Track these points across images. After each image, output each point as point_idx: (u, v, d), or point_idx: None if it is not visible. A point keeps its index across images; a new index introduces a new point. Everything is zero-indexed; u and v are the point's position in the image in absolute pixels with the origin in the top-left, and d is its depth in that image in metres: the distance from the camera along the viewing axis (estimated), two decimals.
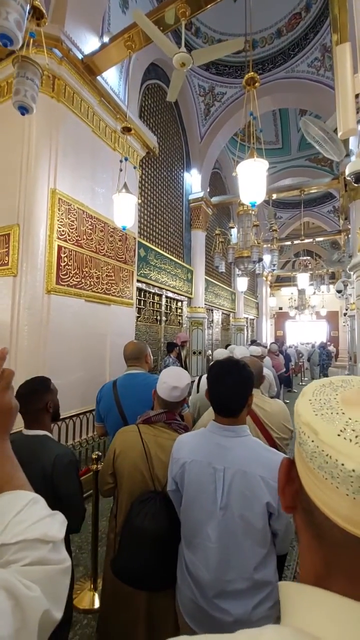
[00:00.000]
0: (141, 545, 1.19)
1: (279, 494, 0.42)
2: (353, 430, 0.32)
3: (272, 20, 6.47)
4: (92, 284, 3.80)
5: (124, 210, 3.19)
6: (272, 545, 1.08)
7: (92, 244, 3.82)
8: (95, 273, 3.86)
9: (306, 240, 8.44)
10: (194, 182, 7.50)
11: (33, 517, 0.51)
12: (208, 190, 7.76)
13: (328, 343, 14.59)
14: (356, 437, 0.31)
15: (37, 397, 1.38)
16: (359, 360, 2.00)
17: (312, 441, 0.34)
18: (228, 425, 1.13)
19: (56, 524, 0.54)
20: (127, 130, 3.30)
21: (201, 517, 1.08)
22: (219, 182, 9.43)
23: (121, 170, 3.26)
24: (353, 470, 0.30)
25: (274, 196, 7.72)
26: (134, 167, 4.01)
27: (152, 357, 2.21)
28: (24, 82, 1.86)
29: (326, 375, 13.56)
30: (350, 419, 0.33)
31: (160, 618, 1.28)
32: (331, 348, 14.85)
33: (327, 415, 0.34)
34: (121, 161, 3.33)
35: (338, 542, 0.32)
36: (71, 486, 1.32)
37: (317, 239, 10.50)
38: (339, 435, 0.32)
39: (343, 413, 0.34)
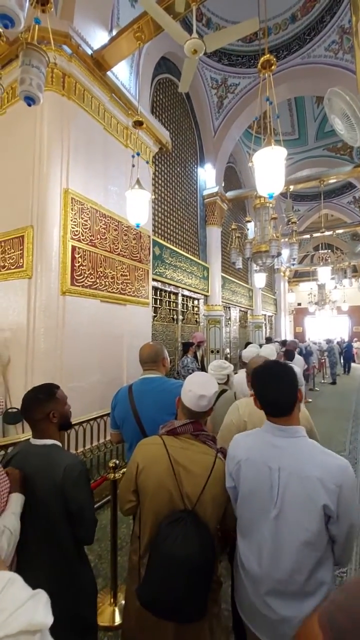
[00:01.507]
0: (173, 574, 1.07)
1: None
2: None
3: (286, 5, 6.21)
4: (107, 284, 3.73)
5: (137, 207, 3.10)
6: (329, 550, 1.05)
7: (106, 244, 3.75)
8: (110, 273, 3.79)
9: (326, 233, 8.12)
10: (208, 177, 7.34)
11: (13, 603, 0.42)
12: (223, 185, 7.58)
13: (339, 340, 14.04)
14: None
15: (38, 406, 1.32)
16: None
17: None
18: (282, 425, 1.14)
19: (40, 606, 0.44)
20: (138, 124, 3.20)
21: (256, 513, 1.10)
22: (234, 176, 9.22)
23: (133, 165, 3.17)
24: None
25: (292, 188, 7.47)
26: (146, 162, 3.91)
27: (168, 359, 2.09)
28: (29, 70, 1.78)
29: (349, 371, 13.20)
30: None
31: None
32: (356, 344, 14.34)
33: None
34: (133, 156, 3.24)
35: None
36: (82, 498, 1.25)
37: (338, 231, 10.13)
38: None
39: None
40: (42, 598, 0.48)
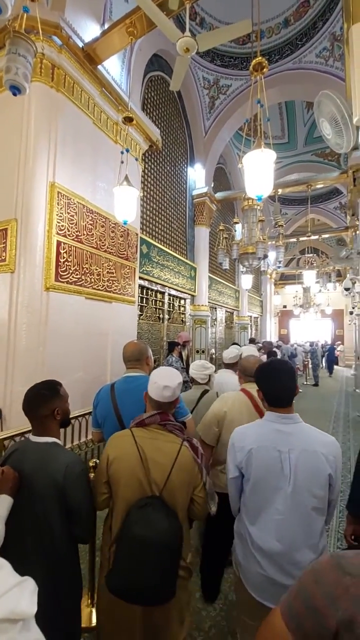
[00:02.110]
0: (141, 556, 1.12)
1: None
2: None
3: (279, 10, 6.26)
4: (92, 281, 3.68)
5: (125, 204, 3.06)
6: (324, 514, 1.26)
7: (92, 240, 3.70)
8: (96, 270, 3.74)
9: (312, 237, 8.26)
10: (197, 177, 7.35)
11: None
12: (212, 185, 7.60)
13: (323, 342, 14.34)
14: None
15: (44, 402, 1.32)
16: None
17: None
18: (285, 414, 1.32)
19: (26, 594, 0.43)
20: (128, 120, 3.16)
21: (268, 494, 1.25)
22: (224, 177, 9.26)
23: (122, 162, 3.13)
24: None
25: (280, 192, 7.56)
26: (136, 159, 3.87)
27: (152, 358, 2.10)
28: (16, 59, 1.73)
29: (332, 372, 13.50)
30: None
31: (157, 633, 1.22)
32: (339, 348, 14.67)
33: None
34: (122, 152, 3.19)
35: None
36: (82, 496, 1.27)
37: (324, 236, 10.31)
38: None
39: None
40: (29, 586, 0.47)
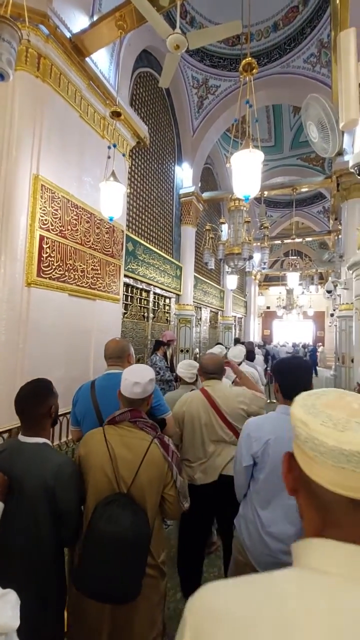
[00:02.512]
0: (106, 552, 1.13)
1: (283, 480, 0.59)
2: (330, 420, 0.47)
3: (269, 13, 6.33)
4: (76, 277, 3.61)
5: (111, 200, 3.01)
6: None
7: (77, 235, 3.62)
8: (80, 266, 3.67)
9: (297, 240, 8.40)
10: (185, 176, 7.33)
11: None
12: (199, 185, 7.60)
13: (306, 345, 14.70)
14: (333, 424, 0.46)
15: (41, 400, 1.31)
16: (356, 362, 1.92)
17: (305, 431, 0.49)
18: None
19: (8, 608, 0.41)
20: (116, 115, 3.11)
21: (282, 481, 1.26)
22: (211, 177, 9.29)
23: (109, 157, 3.08)
24: (333, 446, 0.45)
25: (266, 194, 7.64)
26: (123, 155, 3.82)
27: (134, 356, 2.10)
28: (0, 44, 1.66)
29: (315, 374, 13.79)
30: (329, 414, 0.48)
31: (124, 633, 1.22)
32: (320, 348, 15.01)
33: (314, 413, 0.50)
34: (109, 147, 3.14)
35: (329, 501, 0.47)
36: (72, 498, 1.25)
37: (307, 239, 10.51)
38: (321, 424, 0.47)
39: (323, 411, 0.49)
40: (11, 599, 0.46)
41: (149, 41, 5.09)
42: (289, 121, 9.20)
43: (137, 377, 1.37)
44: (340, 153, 5.92)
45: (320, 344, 17.00)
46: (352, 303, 4.71)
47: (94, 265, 3.91)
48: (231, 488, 1.70)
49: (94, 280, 3.91)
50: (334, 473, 0.44)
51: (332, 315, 10.77)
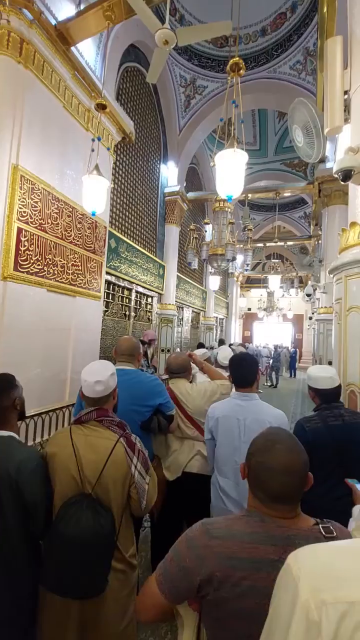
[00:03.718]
0: (66, 553, 1.14)
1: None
2: None
3: (258, 18, 6.38)
4: (56, 272, 3.50)
5: (94, 194, 2.93)
6: None
7: (57, 230, 3.51)
8: (60, 261, 3.56)
9: (279, 243, 8.54)
10: (170, 175, 7.30)
11: None
12: (184, 185, 7.58)
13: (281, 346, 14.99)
14: None
15: (4, 392, 1.31)
16: (333, 364, 1.95)
17: None
18: (246, 393, 1.72)
19: None
20: (101, 107, 3.03)
21: (229, 450, 1.67)
22: (196, 178, 9.29)
23: (93, 150, 3.00)
24: None
25: (250, 196, 7.71)
26: (107, 149, 3.74)
27: (142, 355, 2.21)
28: None
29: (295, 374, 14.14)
30: None
31: (93, 626, 1.24)
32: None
33: None
34: (93, 140, 3.06)
35: None
36: (37, 493, 1.23)
37: (289, 243, 10.71)
38: None
39: None
40: None
41: (137, 36, 5.02)
42: (274, 126, 9.34)
43: (97, 376, 1.35)
44: (323, 160, 6.05)
45: (294, 346, 17.28)
46: (331, 306, 4.82)
47: (75, 261, 3.80)
48: (196, 485, 1.90)
49: (74, 276, 3.81)
50: None
51: (310, 318, 11.02)
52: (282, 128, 9.13)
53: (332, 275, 2.14)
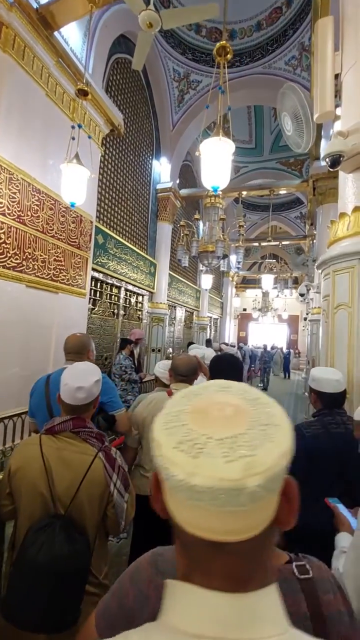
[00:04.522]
0: (35, 583, 1.00)
1: (152, 503, 0.45)
2: (188, 439, 0.36)
3: (253, 12, 6.26)
4: (36, 267, 3.34)
5: (73, 184, 2.79)
6: None
7: (38, 223, 3.36)
8: (41, 256, 3.41)
9: (273, 243, 8.43)
10: (163, 171, 7.15)
11: None
12: (178, 182, 7.44)
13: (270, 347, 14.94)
14: (190, 447, 0.35)
15: None
16: (321, 363, 1.84)
17: (158, 455, 0.37)
18: None
19: None
20: (83, 93, 2.88)
21: None
22: (190, 175, 9.15)
23: (73, 138, 2.85)
24: (182, 480, 0.34)
25: (244, 194, 7.59)
26: (89, 137, 3.58)
27: (95, 352, 2.07)
28: None
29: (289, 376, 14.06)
30: (190, 429, 0.37)
31: None
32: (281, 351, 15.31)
33: (173, 428, 0.38)
34: (73, 127, 2.91)
35: (189, 542, 0.38)
36: None
37: (284, 242, 10.60)
38: (175, 447, 0.36)
39: (185, 424, 0.38)
40: None
41: (127, 26, 4.87)
42: (269, 125, 9.22)
43: (79, 381, 1.21)
44: (317, 158, 5.94)
45: (281, 346, 17.12)
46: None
47: (57, 256, 3.65)
48: None
49: (57, 272, 3.66)
50: (188, 512, 0.36)
51: (305, 319, 10.92)
52: (277, 127, 9.00)
53: (320, 271, 2.01)
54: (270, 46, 6.41)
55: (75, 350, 1.88)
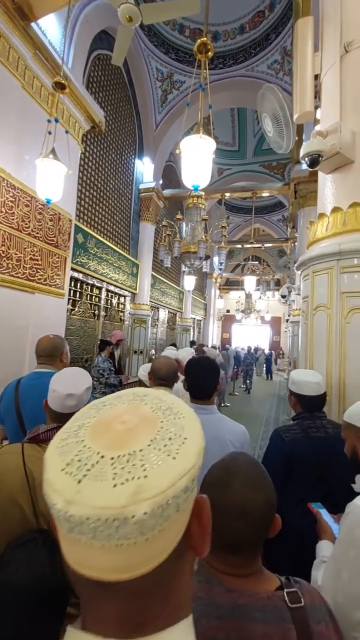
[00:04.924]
0: (13, 607, 0.88)
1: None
2: (80, 461, 0.30)
3: (236, 15, 6.29)
4: (10, 266, 3.21)
5: (49, 180, 2.68)
6: None
7: (13, 220, 3.23)
8: (16, 254, 3.27)
9: (256, 245, 8.49)
10: (145, 170, 7.08)
11: None
12: (161, 182, 7.38)
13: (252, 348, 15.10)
14: (78, 468, 0.30)
15: None
16: (300, 364, 1.82)
17: (44, 480, 0.31)
18: (203, 405, 1.44)
19: None
20: (60, 87, 2.78)
21: None
22: (174, 176, 9.11)
23: (50, 132, 2.75)
24: (60, 510, 0.29)
25: (227, 196, 7.61)
26: (66, 132, 3.48)
27: (69, 355, 1.96)
28: None
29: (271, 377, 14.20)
30: (85, 447, 0.31)
31: None
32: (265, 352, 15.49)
33: (67, 446, 0.32)
34: (49, 121, 2.80)
35: (79, 583, 0.32)
36: None
37: (266, 245, 10.71)
38: (62, 469, 0.30)
39: (82, 441, 0.32)
40: None
41: (109, 22, 4.78)
42: (252, 128, 9.30)
43: (70, 388, 1.15)
44: (299, 161, 6.01)
45: (263, 348, 17.32)
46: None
47: (34, 255, 3.52)
48: None
49: (33, 271, 3.53)
50: (71, 547, 0.30)
51: (287, 320, 11.06)
52: (260, 130, 9.08)
53: (300, 272, 1.99)
54: (253, 49, 6.46)
55: (48, 353, 1.80)
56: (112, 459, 0.30)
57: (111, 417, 0.35)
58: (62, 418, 1.15)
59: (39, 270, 3.60)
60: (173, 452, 0.31)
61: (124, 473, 0.29)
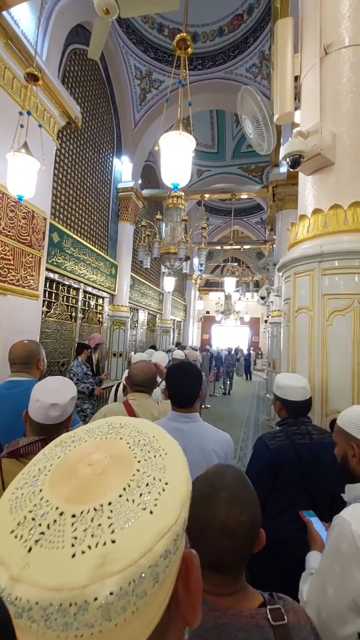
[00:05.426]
0: None
1: None
2: (34, 519, 0.24)
3: (215, 17, 6.30)
4: None
5: (21, 176, 2.54)
6: None
7: None
8: None
9: (235, 247, 8.54)
10: (124, 170, 6.97)
11: None
12: (140, 182, 7.28)
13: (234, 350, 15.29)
14: (30, 530, 0.23)
15: None
16: (283, 367, 1.80)
17: None
18: (185, 413, 1.38)
19: None
20: (33, 78, 2.66)
21: None
22: (153, 176, 9.03)
23: (22, 126, 2.61)
24: (3, 590, 0.22)
25: (207, 197, 7.61)
26: (39, 125, 3.34)
27: (45, 361, 1.85)
28: None
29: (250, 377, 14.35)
30: (42, 499, 0.25)
31: None
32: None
33: (22, 497, 0.25)
34: (21, 114, 2.67)
35: None
36: None
37: (245, 247, 10.82)
38: (12, 532, 0.23)
39: (40, 491, 0.25)
40: None
41: (86, 16, 4.65)
42: (231, 131, 9.36)
43: (53, 398, 1.09)
44: (277, 165, 6.08)
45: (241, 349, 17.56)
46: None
47: (5, 254, 3.35)
48: None
49: (5, 271, 3.35)
50: (21, 633, 0.22)
51: (266, 321, 11.20)
52: (239, 133, 9.17)
53: (281, 274, 1.97)
54: (231, 52, 6.48)
55: (22, 361, 1.71)
56: (74, 516, 0.23)
57: (78, 458, 0.28)
58: (45, 430, 1.09)
59: (10, 270, 3.43)
60: (150, 504, 0.24)
61: (86, 537, 0.22)
